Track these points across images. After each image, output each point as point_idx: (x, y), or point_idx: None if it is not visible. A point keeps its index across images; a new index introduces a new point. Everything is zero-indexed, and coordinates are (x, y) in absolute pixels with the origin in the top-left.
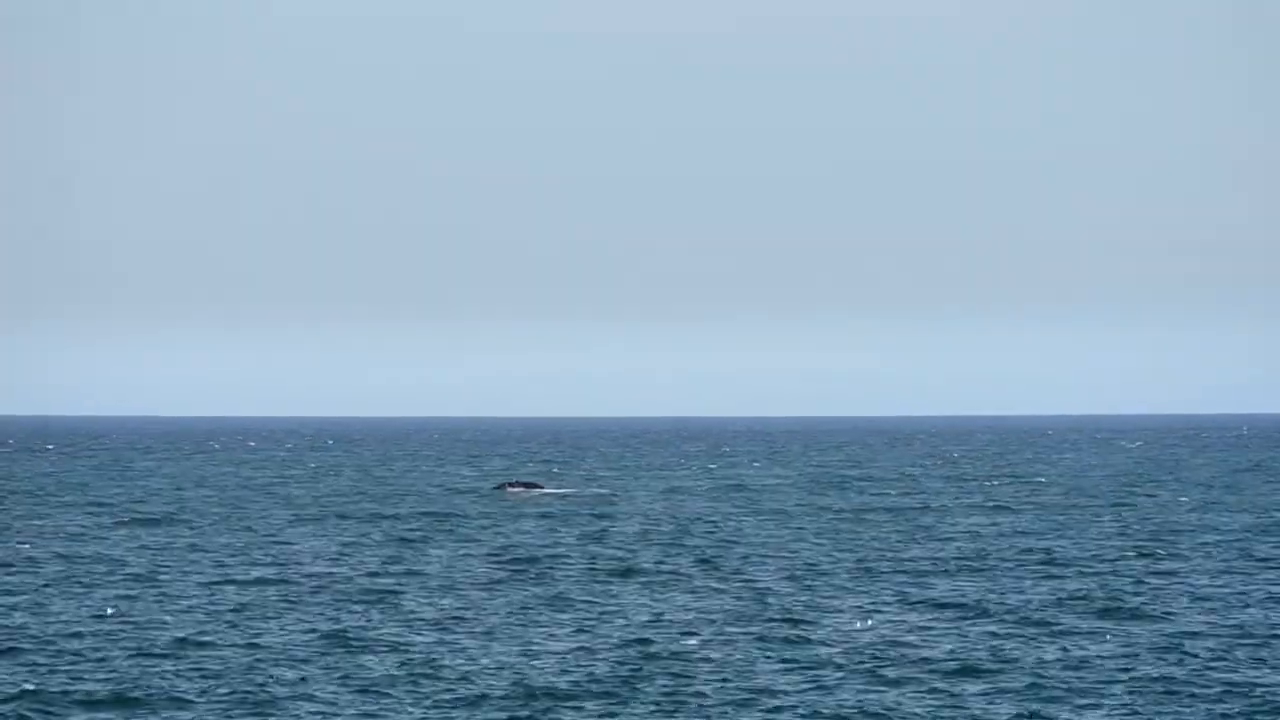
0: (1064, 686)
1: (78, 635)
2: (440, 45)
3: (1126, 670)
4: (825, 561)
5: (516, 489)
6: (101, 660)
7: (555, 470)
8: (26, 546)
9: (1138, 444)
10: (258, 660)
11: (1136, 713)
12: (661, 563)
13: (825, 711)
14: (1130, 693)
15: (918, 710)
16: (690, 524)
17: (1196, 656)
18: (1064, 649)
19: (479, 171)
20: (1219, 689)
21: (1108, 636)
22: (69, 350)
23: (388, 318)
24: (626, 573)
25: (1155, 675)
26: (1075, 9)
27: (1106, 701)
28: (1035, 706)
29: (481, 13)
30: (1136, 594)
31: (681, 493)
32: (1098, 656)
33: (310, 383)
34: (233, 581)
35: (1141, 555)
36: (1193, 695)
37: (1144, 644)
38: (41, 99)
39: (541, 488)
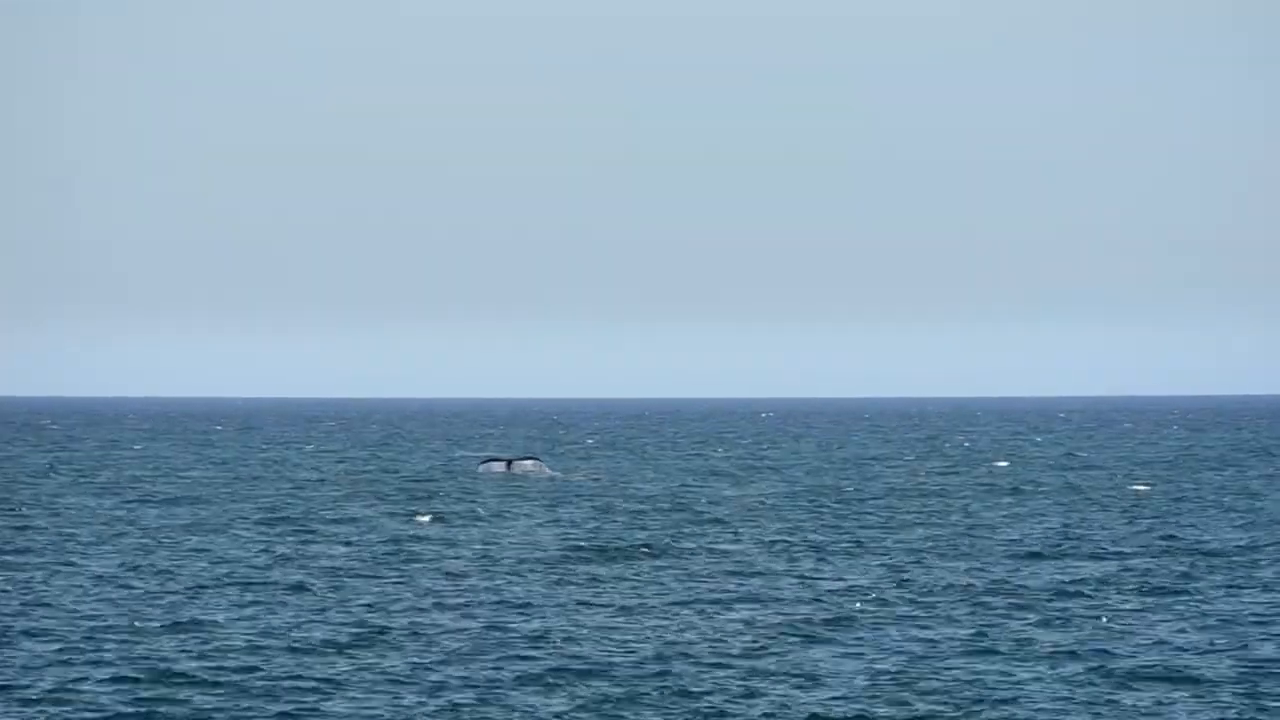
0: (1092, 669)
1: (88, 614)
2: (441, 44)
3: (1153, 652)
4: (841, 542)
5: (509, 466)
6: (111, 642)
7: (558, 450)
8: (42, 525)
9: (1137, 425)
10: (266, 643)
11: (1162, 698)
12: (675, 543)
13: (854, 687)
14: (1155, 676)
15: (943, 690)
16: (700, 505)
17: (1224, 643)
18: (1087, 632)
19: (479, 171)
20: (1249, 673)
21: (1131, 619)
22: (67, 342)
23: (387, 317)
24: (640, 554)
25: (1182, 659)
26: (1075, 9)
27: (1131, 684)
28: (1063, 691)
29: (482, 12)
30: (1158, 576)
31: (689, 473)
32: (1122, 640)
33: (309, 367)
34: (243, 562)
35: (1161, 537)
36: (1219, 681)
37: (1170, 627)
38: (41, 99)
39: (538, 460)
